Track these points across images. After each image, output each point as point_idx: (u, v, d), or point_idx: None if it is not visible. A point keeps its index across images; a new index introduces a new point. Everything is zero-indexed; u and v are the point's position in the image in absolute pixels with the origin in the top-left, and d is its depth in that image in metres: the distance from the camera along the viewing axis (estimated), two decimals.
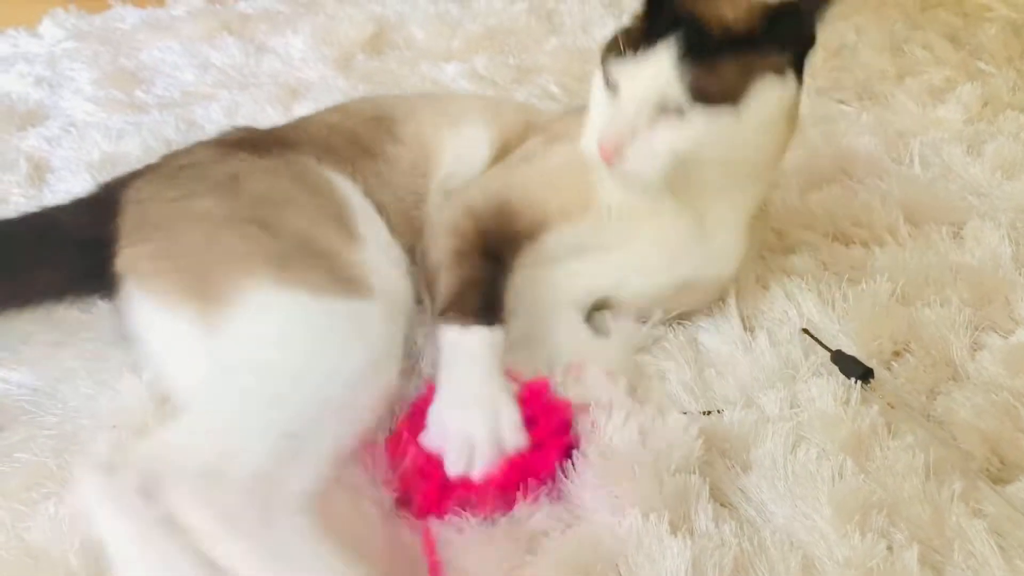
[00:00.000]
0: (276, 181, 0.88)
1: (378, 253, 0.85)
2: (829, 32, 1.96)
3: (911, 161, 1.40)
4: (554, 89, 1.62)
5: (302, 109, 1.45)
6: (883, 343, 0.96)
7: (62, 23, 1.77)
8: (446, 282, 0.88)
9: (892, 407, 0.87)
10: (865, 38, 1.96)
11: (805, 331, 0.96)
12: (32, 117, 1.40)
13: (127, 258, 0.83)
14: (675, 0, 0.85)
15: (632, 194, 0.90)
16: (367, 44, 1.75)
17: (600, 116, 0.88)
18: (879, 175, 1.34)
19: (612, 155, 0.83)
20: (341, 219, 0.86)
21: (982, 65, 1.86)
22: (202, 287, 0.76)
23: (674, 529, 0.71)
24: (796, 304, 1.01)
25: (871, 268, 1.09)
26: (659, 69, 0.82)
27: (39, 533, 0.70)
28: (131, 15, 1.87)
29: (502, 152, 1.02)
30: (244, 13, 1.91)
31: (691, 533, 0.72)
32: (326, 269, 0.79)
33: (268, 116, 1.43)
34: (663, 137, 0.83)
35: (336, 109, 1.10)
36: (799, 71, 0.89)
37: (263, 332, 0.74)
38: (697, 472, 0.77)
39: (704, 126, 0.82)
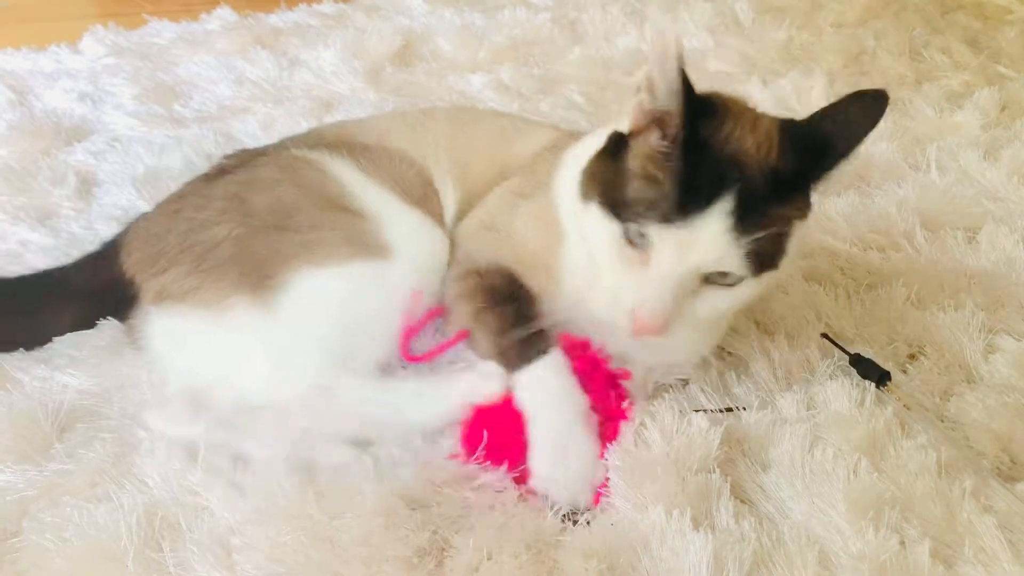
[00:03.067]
0: (276, 189, 0.92)
1: (392, 219, 0.92)
2: (848, 37, 1.98)
3: (928, 167, 1.43)
4: (578, 99, 1.65)
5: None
6: (898, 346, 1.00)
7: (102, 39, 1.82)
8: (481, 341, 0.88)
9: (908, 408, 0.90)
10: (884, 43, 1.98)
11: (824, 335, 1.00)
12: (78, 132, 1.45)
13: (155, 288, 0.88)
14: (715, 144, 0.75)
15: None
16: (396, 57, 1.80)
17: (623, 278, 0.78)
18: (896, 181, 1.38)
19: (652, 333, 0.76)
20: (344, 203, 0.93)
21: (1001, 69, 1.88)
22: (249, 281, 0.85)
23: (696, 524, 0.75)
24: (815, 308, 1.05)
25: (887, 273, 1.12)
26: (712, 242, 0.72)
27: (103, 524, 0.74)
28: (167, 30, 1.92)
29: (470, 196, 1.02)
30: (276, 27, 1.95)
31: (712, 528, 0.75)
32: (346, 243, 0.89)
33: (303, 129, 1.46)
34: (706, 305, 0.78)
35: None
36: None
37: (311, 303, 0.86)
38: (718, 471, 0.81)
39: (754, 290, 0.78)
